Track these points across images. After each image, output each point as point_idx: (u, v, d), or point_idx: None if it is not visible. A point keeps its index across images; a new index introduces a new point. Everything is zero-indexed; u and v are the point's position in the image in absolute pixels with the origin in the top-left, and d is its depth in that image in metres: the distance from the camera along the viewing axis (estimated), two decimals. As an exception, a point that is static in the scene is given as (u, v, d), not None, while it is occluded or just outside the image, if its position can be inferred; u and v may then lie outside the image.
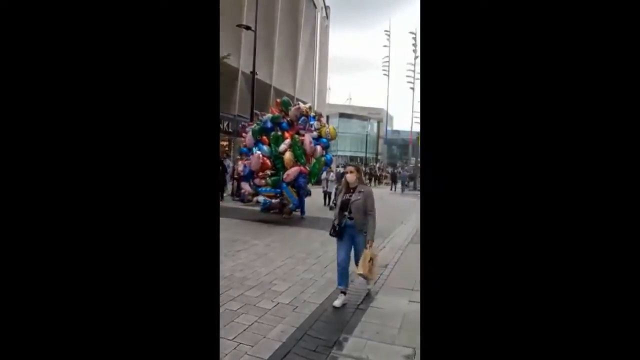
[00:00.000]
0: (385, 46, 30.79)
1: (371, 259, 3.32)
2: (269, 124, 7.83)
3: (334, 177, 11.59)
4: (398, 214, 9.84)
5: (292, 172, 7.45)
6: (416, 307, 3.24)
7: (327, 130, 8.52)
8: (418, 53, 28.07)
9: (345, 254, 3.36)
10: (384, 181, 23.68)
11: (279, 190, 7.58)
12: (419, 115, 32.31)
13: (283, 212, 7.90)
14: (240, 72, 15.88)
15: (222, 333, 2.57)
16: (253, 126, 8.26)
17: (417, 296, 3.52)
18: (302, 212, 8.46)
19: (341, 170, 13.02)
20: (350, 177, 3.39)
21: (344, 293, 3.34)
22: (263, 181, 7.57)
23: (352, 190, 3.38)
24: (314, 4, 16.34)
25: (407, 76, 28.21)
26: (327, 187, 11.50)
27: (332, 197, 10.88)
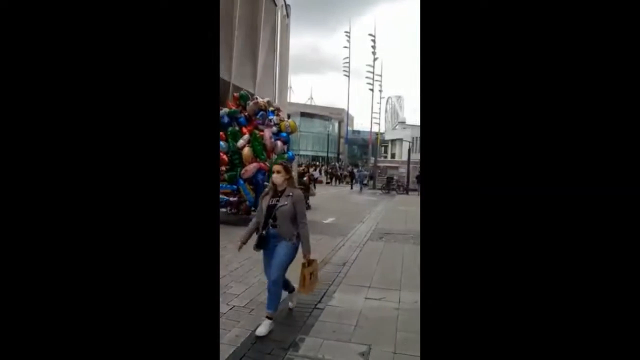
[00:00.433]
0: (345, 47, 31.22)
1: (312, 274, 2.92)
2: (226, 119, 7.53)
3: (294, 177, 11.55)
4: (358, 213, 10.01)
5: (251, 168, 7.24)
6: (372, 304, 3.30)
7: (287, 124, 8.42)
8: (377, 55, 28.79)
9: None
10: (345, 180, 24.09)
11: (235, 186, 7.36)
12: (378, 115, 33.25)
13: (240, 211, 7.68)
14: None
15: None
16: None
17: (373, 293, 3.58)
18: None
19: (301, 169, 13.00)
20: (277, 178, 2.79)
21: (270, 318, 2.70)
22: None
23: (279, 194, 2.81)
24: (274, 2, 16.16)
25: (367, 77, 28.82)
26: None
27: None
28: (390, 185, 18.67)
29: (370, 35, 29.20)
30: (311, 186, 11.31)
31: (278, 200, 2.77)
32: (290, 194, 2.78)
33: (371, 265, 4.61)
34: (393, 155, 45.13)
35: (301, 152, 41.51)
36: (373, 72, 28.82)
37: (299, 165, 16.19)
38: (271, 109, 8.31)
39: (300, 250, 2.84)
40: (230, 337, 2.64)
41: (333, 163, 33.26)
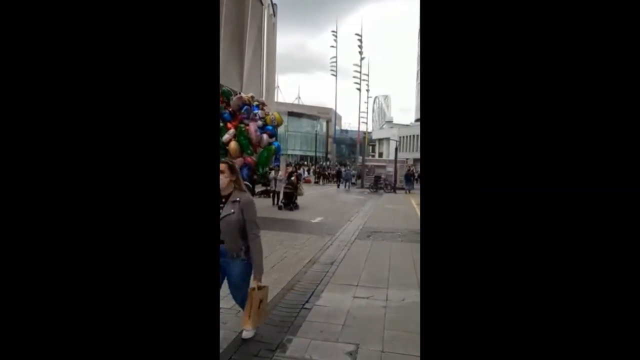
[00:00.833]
0: (332, 47, 31.26)
1: (261, 301, 2.38)
2: None
3: (282, 176, 11.51)
4: (346, 212, 10.02)
5: (235, 163, 7.17)
6: (360, 303, 3.30)
7: (273, 117, 8.37)
8: (364, 54, 28.90)
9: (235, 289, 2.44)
10: (333, 180, 24.18)
11: None
12: (365, 115, 33.42)
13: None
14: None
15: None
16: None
17: (361, 292, 3.58)
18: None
19: (290, 169, 12.96)
20: (221, 180, 2.24)
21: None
22: None
23: (223, 200, 2.29)
24: (261, 1, 16.07)
25: (354, 77, 28.92)
26: (275, 186, 11.38)
27: (281, 196, 10.79)
28: (378, 184, 18.79)
29: (357, 34, 29.26)
30: (299, 186, 11.28)
31: (221, 208, 2.26)
32: (237, 199, 2.28)
33: (359, 264, 4.61)
34: (381, 154, 45.52)
35: (289, 152, 41.40)
36: (360, 72, 28.92)
37: (287, 165, 16.14)
38: (255, 103, 8.25)
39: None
40: (216, 339, 2.59)
41: (321, 163, 33.24)
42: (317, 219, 8.64)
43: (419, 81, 51.25)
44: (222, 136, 7.28)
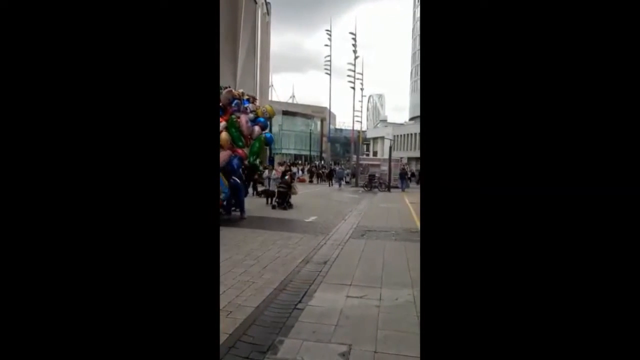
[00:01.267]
0: (326, 45, 31.17)
1: None
2: None
3: (276, 175, 11.46)
4: (340, 211, 10.01)
5: (223, 156, 6.95)
6: (353, 302, 3.26)
7: (264, 109, 8.33)
8: (358, 53, 28.90)
9: None
10: (328, 179, 24.23)
11: None
12: (359, 113, 33.47)
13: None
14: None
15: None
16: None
17: (354, 291, 3.55)
18: (242, 212, 8.20)
19: (284, 168, 12.91)
20: None
21: None
22: None
23: None
24: (254, 0, 15.99)
25: (349, 75, 28.90)
26: (269, 185, 11.33)
27: (275, 196, 10.75)
28: (372, 183, 18.81)
29: (351, 33, 29.22)
30: (293, 184, 11.24)
31: None
32: None
33: (352, 263, 4.58)
34: (375, 153, 45.62)
35: (284, 151, 41.32)
36: (354, 71, 28.84)
37: (280, 164, 16.08)
38: (246, 97, 8.20)
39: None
40: (206, 341, 2.54)
41: (315, 162, 33.21)
42: (311, 218, 8.61)
43: (413, 80, 51.67)
44: None
